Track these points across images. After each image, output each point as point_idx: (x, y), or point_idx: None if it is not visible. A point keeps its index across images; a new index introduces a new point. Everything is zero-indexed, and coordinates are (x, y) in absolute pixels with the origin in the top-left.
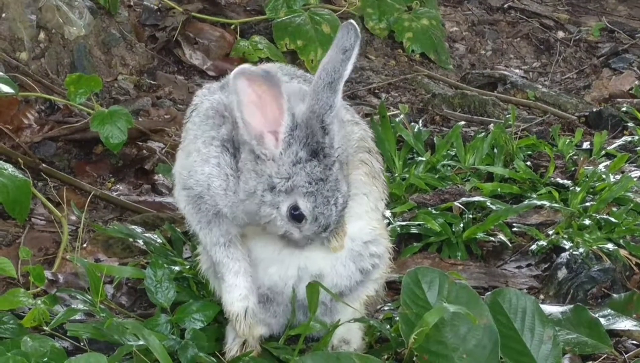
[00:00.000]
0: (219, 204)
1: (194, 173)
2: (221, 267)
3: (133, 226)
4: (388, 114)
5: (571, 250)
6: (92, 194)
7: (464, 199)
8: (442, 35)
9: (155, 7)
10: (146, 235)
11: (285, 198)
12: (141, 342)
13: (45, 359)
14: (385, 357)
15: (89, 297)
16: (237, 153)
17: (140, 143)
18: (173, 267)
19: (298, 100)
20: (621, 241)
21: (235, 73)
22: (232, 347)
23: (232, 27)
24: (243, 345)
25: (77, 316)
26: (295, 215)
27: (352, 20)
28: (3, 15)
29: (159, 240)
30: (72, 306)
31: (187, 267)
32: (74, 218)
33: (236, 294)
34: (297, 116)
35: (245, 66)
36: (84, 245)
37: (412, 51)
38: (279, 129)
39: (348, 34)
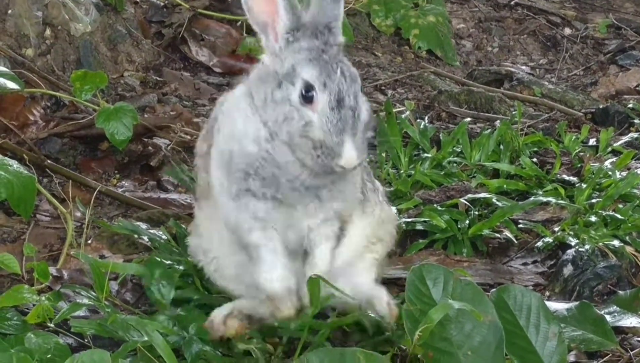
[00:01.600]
0: (245, 147)
1: (224, 134)
2: (257, 248)
3: (138, 223)
4: (394, 110)
5: (577, 247)
6: (97, 190)
7: (469, 195)
8: (449, 32)
9: (162, 4)
10: (151, 231)
11: (296, 84)
12: (145, 338)
13: (49, 355)
14: (390, 353)
15: (94, 294)
16: None
17: (145, 140)
18: (177, 266)
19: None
20: (627, 237)
21: None
22: (214, 319)
23: (239, 23)
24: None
25: (81, 313)
26: (307, 96)
27: None
28: (9, 11)
29: (164, 237)
30: (77, 301)
31: (192, 263)
32: (78, 214)
33: (276, 274)
34: (302, 18)
35: None
36: (89, 242)
37: (419, 47)
38: (276, 25)
39: None
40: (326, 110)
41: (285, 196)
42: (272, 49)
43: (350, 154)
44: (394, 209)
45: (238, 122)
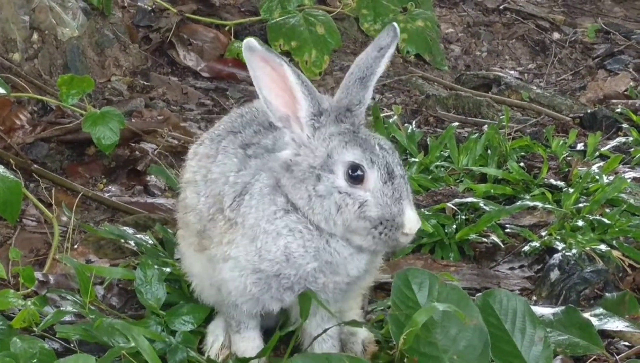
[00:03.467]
0: (302, 267)
1: (267, 253)
2: (239, 321)
3: (124, 227)
4: (382, 115)
5: (564, 251)
6: (80, 194)
7: (457, 200)
8: (437, 36)
9: (149, 8)
10: (137, 236)
11: (335, 175)
12: (132, 344)
13: (35, 360)
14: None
15: (79, 298)
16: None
17: (132, 144)
18: (164, 268)
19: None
20: (614, 242)
21: (244, 47)
22: (210, 353)
23: (227, 28)
24: (221, 348)
25: (67, 318)
26: (354, 176)
27: (395, 24)
28: None
29: (150, 241)
30: (62, 307)
31: (178, 268)
32: (65, 219)
33: (251, 345)
34: (322, 103)
35: (251, 39)
36: (75, 246)
37: (407, 52)
38: (299, 113)
39: (387, 35)
40: (379, 185)
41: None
42: (299, 140)
43: (413, 218)
44: None
45: (292, 245)
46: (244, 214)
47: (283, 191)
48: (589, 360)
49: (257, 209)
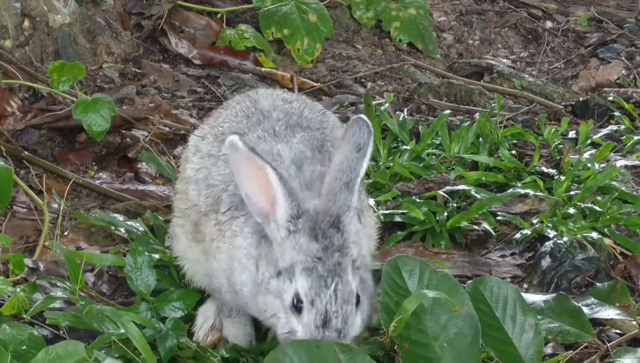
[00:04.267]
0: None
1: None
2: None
3: (115, 215)
4: (373, 103)
5: (555, 239)
6: (72, 181)
7: (448, 187)
8: (430, 24)
9: None
10: (128, 223)
11: (289, 287)
12: (121, 331)
13: (24, 347)
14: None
15: (69, 285)
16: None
17: (124, 131)
18: (154, 255)
19: (300, 183)
20: (606, 230)
21: (227, 140)
22: (199, 333)
23: (219, 15)
24: (210, 329)
25: (57, 304)
26: (297, 307)
27: (362, 116)
28: None
29: (140, 228)
30: (52, 294)
31: (169, 255)
32: (55, 206)
33: (242, 332)
34: (302, 204)
35: (235, 138)
36: (66, 233)
37: (400, 40)
38: (277, 214)
39: (360, 131)
40: (311, 327)
41: None
42: (273, 237)
43: None
44: (372, 201)
45: (242, 276)
46: (233, 233)
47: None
48: (580, 348)
49: (244, 238)
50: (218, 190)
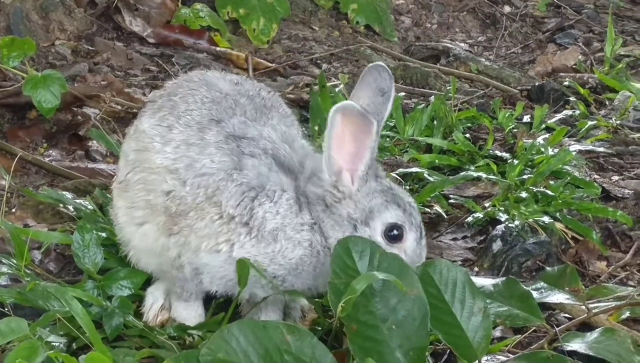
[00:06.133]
0: (301, 280)
1: (282, 258)
2: (182, 285)
3: (64, 192)
4: (328, 84)
5: (507, 223)
6: (18, 157)
7: (401, 170)
8: (388, 7)
9: None
10: (77, 201)
11: (372, 230)
12: (67, 308)
13: None
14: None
15: (15, 262)
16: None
17: (75, 109)
18: (102, 233)
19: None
20: (557, 214)
21: (335, 107)
22: (149, 314)
23: None
24: (160, 310)
25: (3, 282)
26: (393, 235)
27: (379, 62)
28: None
29: (89, 206)
30: None
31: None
32: (3, 182)
33: (194, 313)
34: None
35: (347, 103)
36: (13, 210)
37: (357, 22)
38: (359, 167)
39: (381, 75)
40: (413, 245)
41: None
42: (347, 192)
43: None
44: None
45: (306, 259)
46: (262, 218)
47: (307, 208)
48: (529, 332)
49: (283, 217)
50: (214, 179)
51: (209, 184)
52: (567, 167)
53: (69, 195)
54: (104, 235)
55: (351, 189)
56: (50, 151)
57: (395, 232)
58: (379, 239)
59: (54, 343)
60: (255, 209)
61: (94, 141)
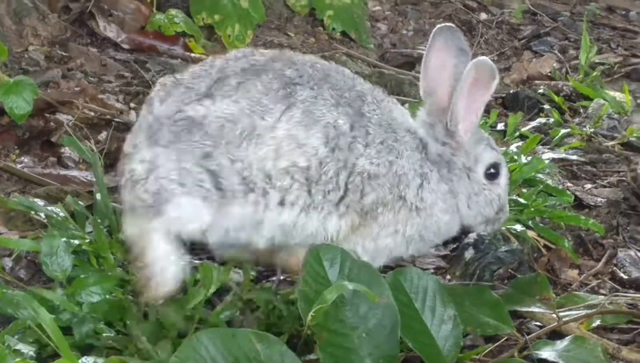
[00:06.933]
0: (442, 239)
1: (434, 224)
2: None
3: (35, 199)
4: None
5: None
6: None
7: None
8: (364, 14)
9: None
10: (48, 208)
11: (477, 174)
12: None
13: None
14: (285, 336)
15: None
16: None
17: (47, 115)
18: (73, 241)
19: None
20: (530, 222)
21: (472, 63)
22: None
23: (148, 0)
24: None
25: None
26: (492, 173)
27: (445, 24)
28: None
29: (61, 214)
30: None
31: (87, 241)
32: None
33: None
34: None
35: (483, 58)
36: None
37: (333, 29)
38: (473, 119)
39: (454, 36)
40: (505, 180)
41: None
42: (461, 142)
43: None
44: None
45: (452, 223)
46: (425, 198)
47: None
48: (500, 340)
49: (435, 192)
50: (408, 177)
51: (397, 182)
52: (540, 175)
53: (40, 202)
54: (76, 242)
55: (464, 140)
56: (22, 158)
57: (492, 171)
58: (484, 180)
59: (23, 351)
60: (423, 193)
61: (67, 148)
